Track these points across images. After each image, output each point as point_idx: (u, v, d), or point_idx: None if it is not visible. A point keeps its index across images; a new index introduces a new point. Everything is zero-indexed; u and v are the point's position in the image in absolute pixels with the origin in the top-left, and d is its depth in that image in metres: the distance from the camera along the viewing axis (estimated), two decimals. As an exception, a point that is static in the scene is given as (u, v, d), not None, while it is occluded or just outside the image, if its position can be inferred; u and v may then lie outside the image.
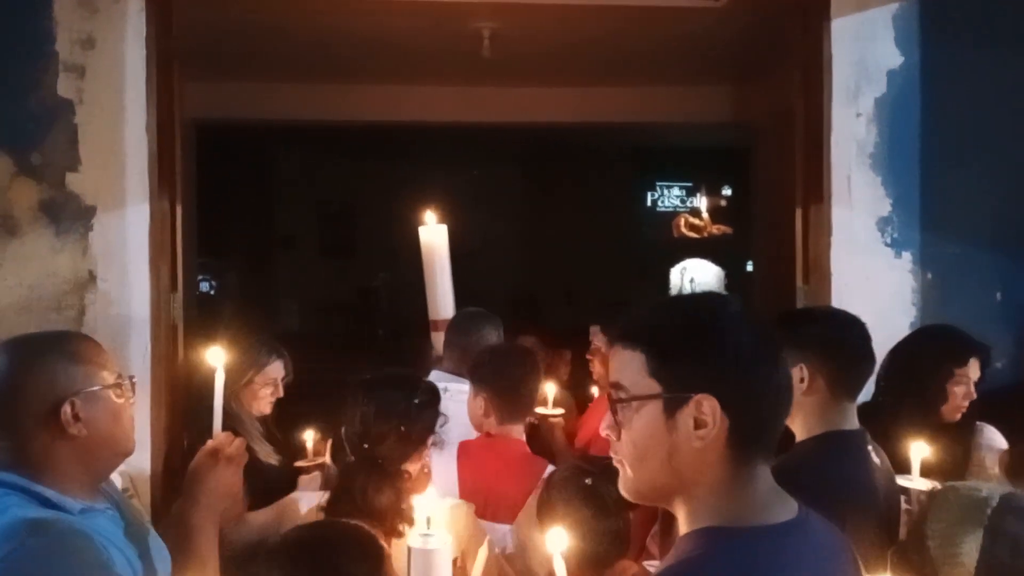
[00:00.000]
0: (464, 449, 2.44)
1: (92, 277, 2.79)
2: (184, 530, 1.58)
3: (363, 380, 2.12)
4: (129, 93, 2.81)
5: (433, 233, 3.28)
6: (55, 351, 1.53)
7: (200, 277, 8.08)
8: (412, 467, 2.07)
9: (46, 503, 1.46)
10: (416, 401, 2.05)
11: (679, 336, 1.11)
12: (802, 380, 1.82)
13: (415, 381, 2.15)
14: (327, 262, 10.69)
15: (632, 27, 4.31)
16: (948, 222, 3.03)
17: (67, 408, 1.48)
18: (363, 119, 6.01)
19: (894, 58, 3.02)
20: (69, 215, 2.79)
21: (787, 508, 1.12)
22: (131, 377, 1.60)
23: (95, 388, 1.52)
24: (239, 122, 6.00)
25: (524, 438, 2.50)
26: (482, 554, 1.98)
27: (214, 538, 1.58)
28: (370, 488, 1.90)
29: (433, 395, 2.13)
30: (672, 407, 1.09)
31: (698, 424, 1.07)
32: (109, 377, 1.55)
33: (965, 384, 2.40)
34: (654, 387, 1.10)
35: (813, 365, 1.83)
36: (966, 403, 2.40)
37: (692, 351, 1.10)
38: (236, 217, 9.41)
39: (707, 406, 1.07)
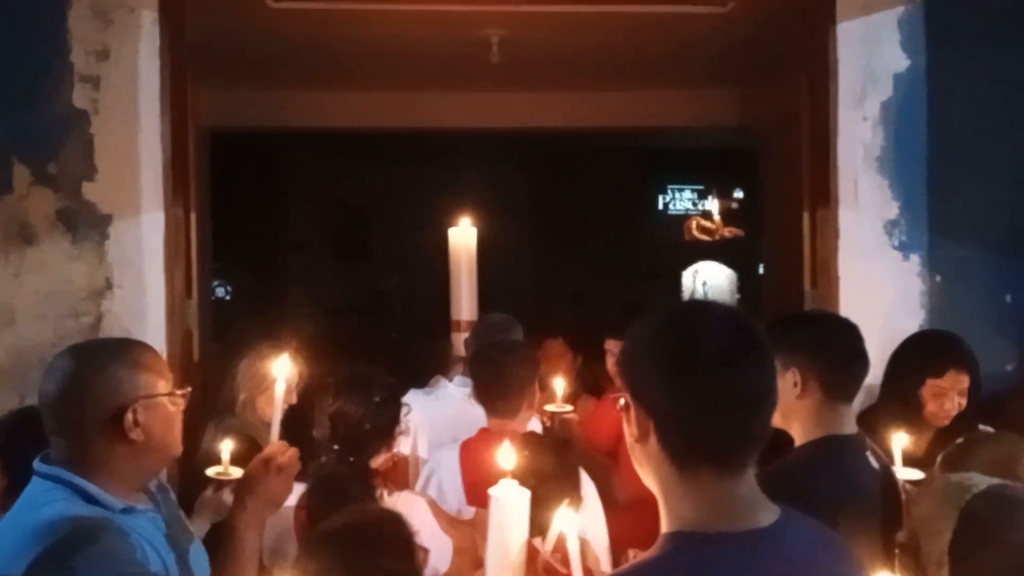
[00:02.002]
0: (463, 447, 2.51)
1: (108, 284, 2.83)
2: (229, 533, 1.64)
3: (328, 383, 2.25)
4: (143, 103, 2.86)
5: (462, 235, 3.35)
6: (119, 358, 1.60)
7: (215, 283, 8.13)
8: (381, 461, 2.20)
9: (90, 500, 1.53)
10: (377, 400, 2.18)
11: (628, 341, 1.20)
12: (795, 384, 1.82)
13: (375, 380, 2.26)
14: (340, 266, 10.75)
15: (639, 33, 4.33)
16: (956, 225, 3.03)
17: (130, 414, 1.55)
18: (374, 125, 6.04)
19: (900, 62, 3.03)
20: (85, 223, 2.83)
21: (760, 516, 1.14)
22: (188, 388, 1.68)
23: (155, 396, 1.59)
24: (252, 130, 6.05)
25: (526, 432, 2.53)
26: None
27: (256, 543, 1.64)
28: (342, 485, 2.02)
29: (393, 391, 2.25)
30: (625, 405, 1.18)
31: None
32: (166, 385, 1.62)
33: (941, 396, 2.39)
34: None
35: (805, 368, 1.82)
36: (950, 411, 2.39)
37: (630, 356, 1.19)
38: (250, 223, 9.48)
39: (632, 407, 1.16)
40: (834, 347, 1.87)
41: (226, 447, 2.06)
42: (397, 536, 1.60)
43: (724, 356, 1.11)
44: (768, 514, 1.14)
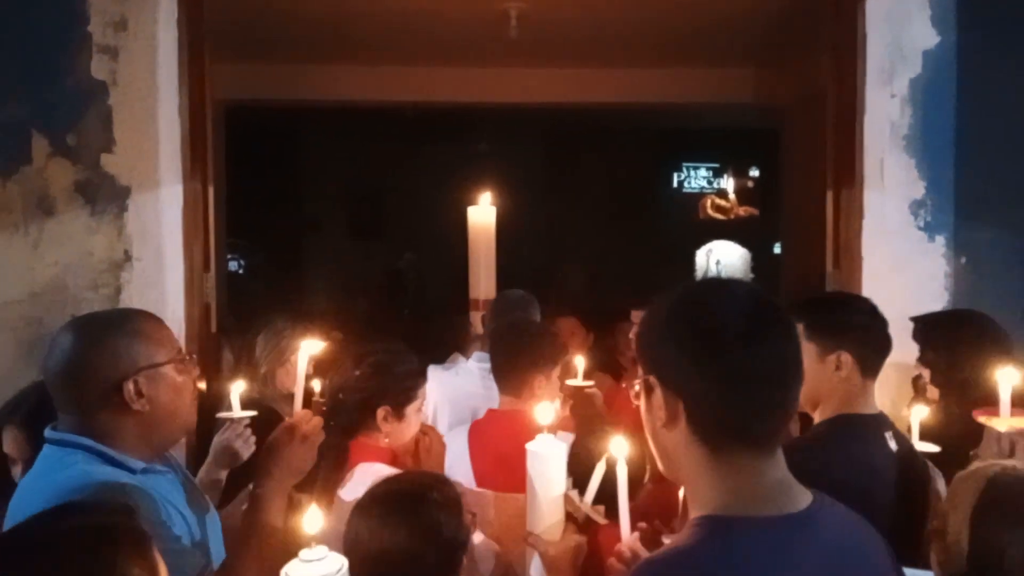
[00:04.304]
0: (472, 429, 2.51)
1: (127, 257, 2.83)
2: (254, 499, 1.65)
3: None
4: (162, 75, 2.84)
5: (482, 214, 3.38)
6: (118, 330, 1.60)
7: (229, 256, 8.15)
8: (373, 438, 2.17)
9: (109, 461, 1.54)
10: (357, 373, 2.19)
11: (647, 323, 1.18)
12: (838, 368, 1.84)
13: (364, 357, 2.26)
14: (354, 243, 10.74)
15: (659, 8, 4.27)
16: (983, 206, 2.98)
17: (129, 385, 1.55)
18: (390, 99, 6.02)
19: (930, 38, 2.97)
20: (104, 196, 2.83)
21: (795, 500, 1.12)
22: (192, 355, 1.69)
23: (156, 365, 1.58)
24: (267, 103, 6.04)
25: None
26: None
27: (282, 508, 1.65)
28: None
29: (380, 367, 2.22)
30: (647, 389, 1.16)
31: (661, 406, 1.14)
32: (168, 354, 1.61)
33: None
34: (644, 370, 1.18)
35: (852, 352, 1.85)
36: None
37: (651, 338, 1.17)
38: (265, 198, 9.47)
39: (658, 389, 1.13)
40: (872, 331, 1.91)
41: (236, 388, 2.07)
42: (445, 496, 1.65)
43: (754, 332, 1.10)
44: (802, 498, 1.13)
